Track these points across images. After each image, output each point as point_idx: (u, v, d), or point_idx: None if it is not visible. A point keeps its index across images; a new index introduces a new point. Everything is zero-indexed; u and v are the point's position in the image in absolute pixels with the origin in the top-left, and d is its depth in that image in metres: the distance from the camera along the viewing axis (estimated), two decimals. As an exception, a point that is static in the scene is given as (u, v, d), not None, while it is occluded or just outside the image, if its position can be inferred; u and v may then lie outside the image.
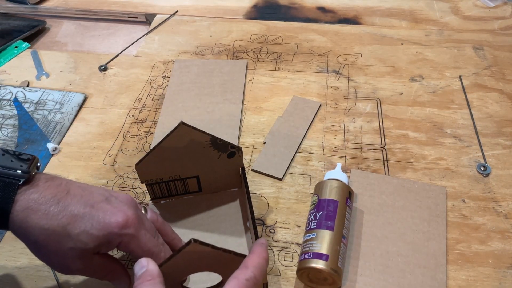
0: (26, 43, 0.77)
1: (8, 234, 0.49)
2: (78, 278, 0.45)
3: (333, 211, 0.44)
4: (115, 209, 0.36)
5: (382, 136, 0.58)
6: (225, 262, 0.35)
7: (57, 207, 0.34)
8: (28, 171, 0.35)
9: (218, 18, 0.81)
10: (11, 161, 0.35)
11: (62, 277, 0.45)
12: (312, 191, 0.52)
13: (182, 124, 0.41)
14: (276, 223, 0.49)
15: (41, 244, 0.34)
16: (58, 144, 0.59)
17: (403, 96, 0.64)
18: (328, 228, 0.43)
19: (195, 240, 0.32)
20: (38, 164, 0.37)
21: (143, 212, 0.40)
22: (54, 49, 0.78)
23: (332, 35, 0.76)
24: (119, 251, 0.47)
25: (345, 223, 0.44)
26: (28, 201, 0.34)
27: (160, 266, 0.34)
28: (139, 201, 0.52)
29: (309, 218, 0.45)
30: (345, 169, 0.54)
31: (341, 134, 0.59)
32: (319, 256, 0.41)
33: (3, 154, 0.35)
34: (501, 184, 0.52)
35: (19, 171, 0.34)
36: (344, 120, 0.60)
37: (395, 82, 0.66)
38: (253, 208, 0.45)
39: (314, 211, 0.45)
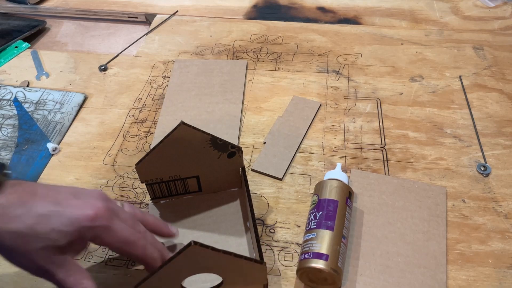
0: (26, 43, 0.77)
1: (8, 234, 0.49)
2: (78, 278, 0.45)
3: (333, 211, 0.44)
4: (83, 203, 0.35)
5: (382, 136, 0.58)
6: (225, 263, 0.35)
7: (23, 209, 0.33)
8: None
9: (218, 18, 0.81)
10: None
11: (62, 277, 0.45)
12: (312, 191, 0.52)
13: (182, 124, 0.41)
14: (276, 223, 0.49)
15: (10, 248, 0.34)
16: (58, 144, 0.59)
17: (403, 96, 0.64)
18: (328, 228, 0.43)
19: (195, 242, 0.32)
20: (9, 172, 0.36)
21: (119, 205, 0.39)
22: (54, 49, 0.78)
23: (332, 35, 0.76)
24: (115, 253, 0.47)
25: (345, 223, 0.44)
26: None
27: (160, 267, 0.34)
28: (139, 201, 0.52)
29: (309, 218, 0.45)
30: (345, 169, 0.54)
31: (341, 134, 0.59)
32: (319, 256, 0.41)
33: None
34: (501, 184, 0.52)
35: None
36: (344, 120, 0.60)
37: (395, 82, 0.66)
38: (253, 208, 0.45)
39: (314, 211, 0.45)
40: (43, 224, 0.33)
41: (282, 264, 0.46)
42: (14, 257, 0.35)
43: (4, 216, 0.33)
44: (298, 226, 0.49)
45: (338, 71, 0.68)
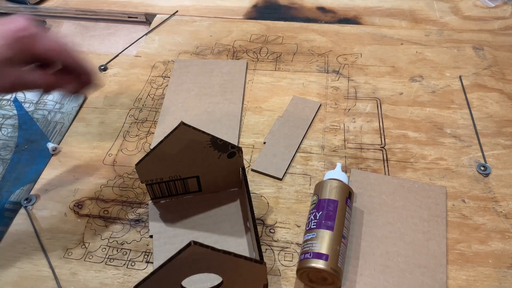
0: (26, 43, 0.77)
1: (8, 234, 0.49)
2: (78, 278, 0.45)
3: (333, 211, 0.44)
4: (9, 22, 0.40)
5: (382, 136, 0.58)
6: (225, 263, 0.35)
7: None
8: None
9: (218, 18, 0.81)
10: None
11: (62, 277, 0.45)
12: (312, 191, 0.52)
13: (182, 124, 0.41)
14: (276, 223, 0.49)
15: None
16: (58, 144, 0.59)
17: (403, 96, 0.64)
18: (328, 228, 0.43)
19: (195, 242, 0.32)
20: None
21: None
22: (54, 49, 0.78)
23: (332, 35, 0.76)
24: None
25: (345, 223, 0.44)
26: None
27: (160, 267, 0.34)
28: (139, 201, 0.52)
29: (309, 218, 0.45)
30: (345, 169, 0.54)
31: (341, 134, 0.59)
32: (319, 256, 0.41)
33: None
34: (501, 184, 0.52)
35: None
36: (344, 120, 0.60)
37: (395, 82, 0.66)
38: (253, 208, 0.45)
39: (314, 211, 0.45)
40: None
41: (282, 264, 0.46)
42: None
43: None
44: (298, 226, 0.49)
45: (338, 71, 0.68)
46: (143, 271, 0.46)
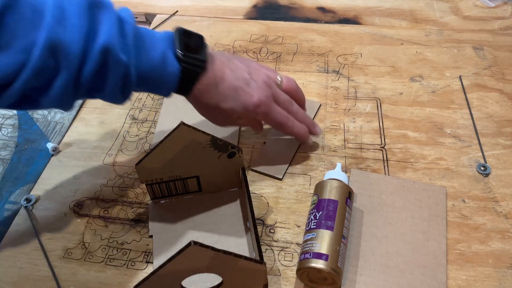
0: (26, 43, 0.77)
1: (8, 234, 0.49)
2: (78, 278, 0.45)
3: (333, 211, 0.44)
4: (252, 92, 0.47)
5: (382, 136, 0.58)
6: (225, 263, 0.36)
7: (215, 90, 0.46)
8: (206, 60, 0.45)
9: (218, 18, 0.81)
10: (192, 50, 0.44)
11: (62, 277, 0.45)
12: (312, 191, 0.52)
13: (182, 124, 0.41)
14: (276, 223, 0.50)
15: (204, 111, 0.49)
16: (58, 144, 0.59)
17: (403, 96, 0.64)
18: (328, 228, 0.43)
19: (195, 242, 0.32)
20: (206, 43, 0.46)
21: (279, 79, 0.52)
22: (54, 49, 0.78)
23: (332, 35, 0.76)
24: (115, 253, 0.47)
25: (345, 223, 0.44)
26: (200, 84, 0.45)
27: (160, 267, 0.34)
28: (139, 201, 0.52)
29: (309, 218, 0.45)
30: (345, 169, 0.54)
31: (341, 134, 0.59)
32: (319, 256, 0.41)
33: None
34: (501, 184, 0.52)
35: (201, 62, 0.44)
36: (344, 120, 0.60)
37: (395, 82, 0.66)
38: (253, 208, 0.45)
39: (314, 211, 0.45)
40: (224, 103, 0.47)
41: (282, 264, 0.46)
42: (205, 116, 0.50)
43: (205, 92, 0.46)
44: (298, 226, 0.49)
45: (338, 71, 0.68)
46: (143, 271, 0.46)
